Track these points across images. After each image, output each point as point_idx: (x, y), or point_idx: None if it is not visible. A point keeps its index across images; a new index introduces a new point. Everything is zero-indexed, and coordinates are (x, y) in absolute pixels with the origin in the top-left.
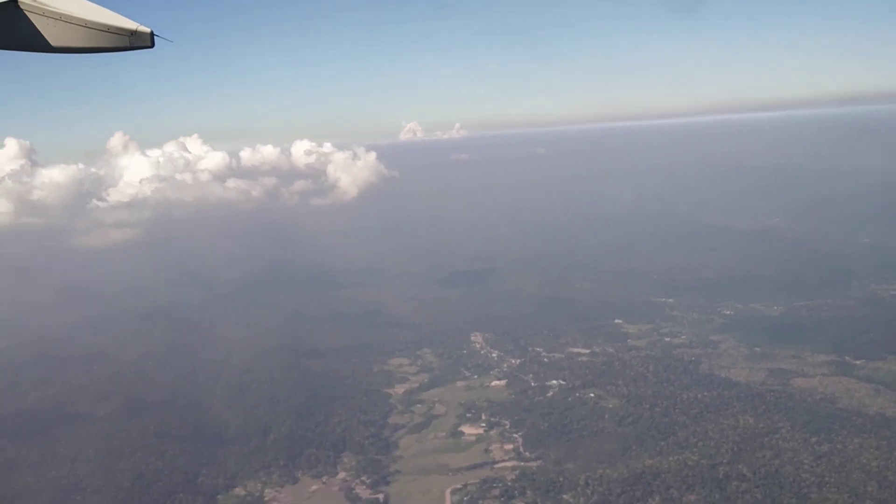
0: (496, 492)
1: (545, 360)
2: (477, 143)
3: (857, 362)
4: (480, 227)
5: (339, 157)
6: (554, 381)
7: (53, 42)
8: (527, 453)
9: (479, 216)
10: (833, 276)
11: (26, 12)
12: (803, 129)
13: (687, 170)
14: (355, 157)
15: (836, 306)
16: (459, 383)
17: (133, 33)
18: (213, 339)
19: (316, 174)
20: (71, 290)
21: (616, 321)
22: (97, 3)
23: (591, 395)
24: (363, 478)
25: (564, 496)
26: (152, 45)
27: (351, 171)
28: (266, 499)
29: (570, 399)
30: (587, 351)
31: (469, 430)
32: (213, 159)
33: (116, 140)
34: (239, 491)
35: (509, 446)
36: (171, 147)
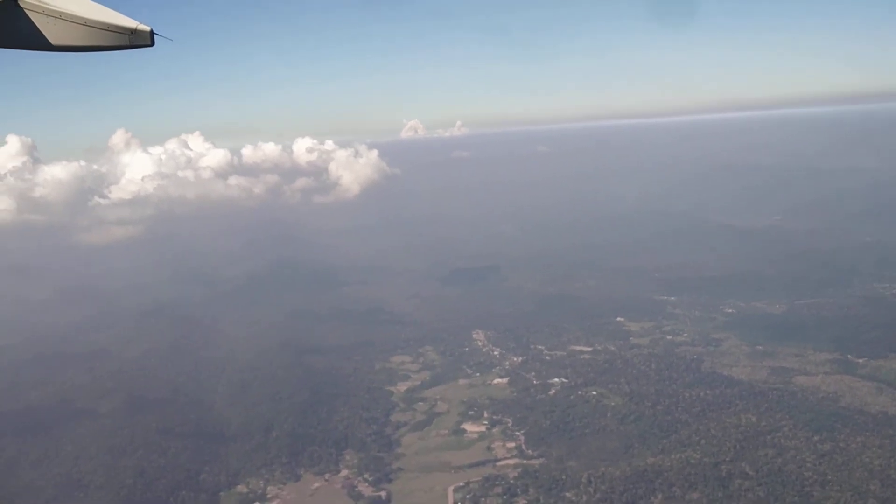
0: (499, 489)
1: (547, 357)
2: (478, 140)
3: (860, 360)
4: (482, 225)
5: (341, 154)
6: (556, 379)
7: (53, 40)
8: (529, 451)
9: (480, 214)
10: (835, 275)
11: (26, 11)
12: (803, 128)
13: (688, 168)
14: (357, 154)
15: (837, 304)
16: (461, 381)
17: (133, 32)
18: (214, 337)
19: (318, 172)
20: (73, 288)
21: (618, 319)
22: (97, 2)
23: (594, 392)
24: (365, 475)
25: (567, 494)
26: (152, 44)
27: (353, 169)
28: (268, 496)
29: (572, 397)
30: (589, 349)
31: (471, 428)
32: (215, 157)
33: (118, 137)
34: (241, 488)
35: (511, 444)
36: (172, 144)
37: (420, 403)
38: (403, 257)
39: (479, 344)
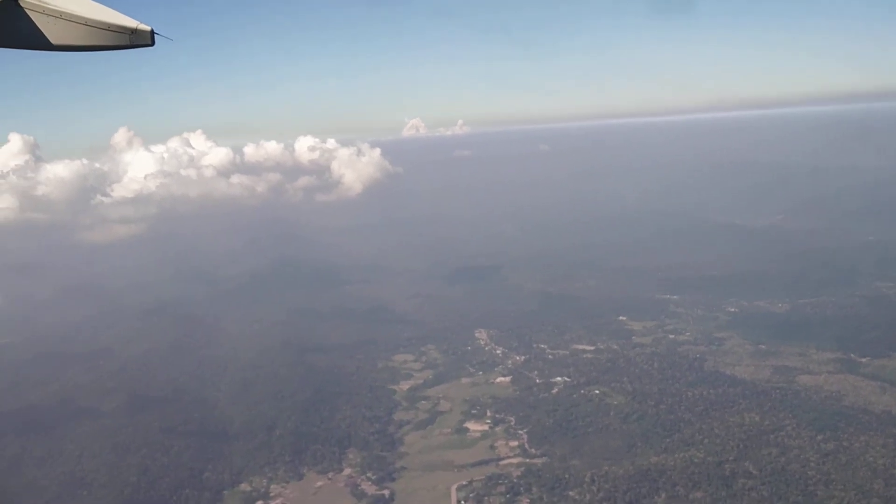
0: (502, 488)
1: (550, 356)
2: (480, 139)
3: (863, 360)
4: (484, 224)
5: (344, 153)
6: (559, 378)
7: (54, 40)
8: (532, 450)
9: (482, 213)
10: (837, 274)
11: (27, 10)
12: (802, 127)
13: (688, 167)
14: (359, 153)
15: (840, 304)
16: (464, 380)
17: (133, 31)
18: (217, 336)
19: (320, 170)
20: (75, 286)
21: (620, 318)
22: (98, 2)
23: (596, 391)
24: (369, 474)
25: (570, 493)
26: (152, 44)
27: (355, 168)
28: (271, 494)
29: (574, 396)
30: (592, 348)
31: (474, 427)
32: (217, 155)
33: (121, 136)
34: (244, 487)
35: (514, 443)
36: (175, 143)
37: (423, 402)
38: (405, 256)
39: (482, 343)
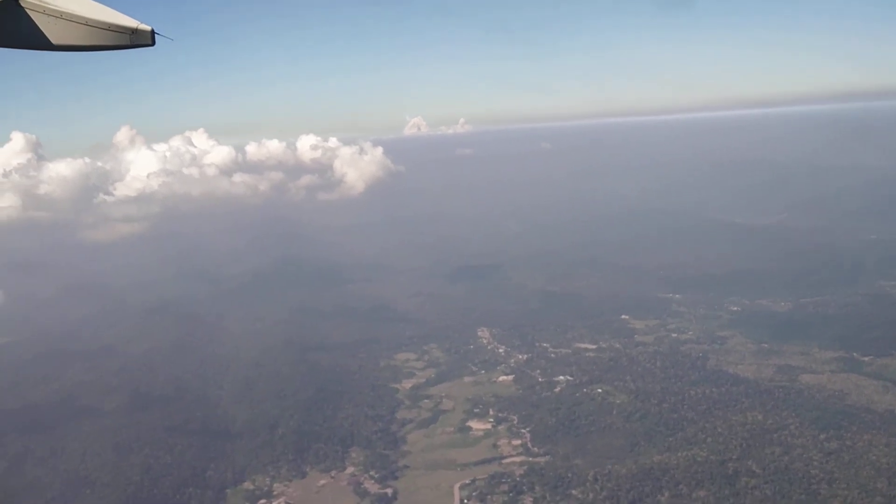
0: (505, 487)
1: (552, 355)
2: (481, 137)
3: (865, 359)
4: (486, 223)
5: (346, 151)
6: (561, 377)
7: (54, 40)
8: (535, 449)
9: (483, 211)
10: (839, 272)
11: (27, 10)
12: (801, 126)
13: (689, 166)
14: (361, 151)
15: (843, 302)
16: (466, 378)
17: (134, 31)
18: (219, 334)
19: (322, 169)
20: (77, 285)
21: (623, 317)
22: (98, 2)
23: (599, 390)
24: (371, 472)
25: (573, 491)
26: (153, 44)
27: (357, 166)
28: (274, 493)
29: (577, 394)
30: (594, 346)
31: (477, 426)
32: (219, 154)
33: (123, 134)
34: (247, 485)
35: (517, 442)
36: (177, 142)
37: (425, 401)
38: (408, 255)
39: (484, 341)
